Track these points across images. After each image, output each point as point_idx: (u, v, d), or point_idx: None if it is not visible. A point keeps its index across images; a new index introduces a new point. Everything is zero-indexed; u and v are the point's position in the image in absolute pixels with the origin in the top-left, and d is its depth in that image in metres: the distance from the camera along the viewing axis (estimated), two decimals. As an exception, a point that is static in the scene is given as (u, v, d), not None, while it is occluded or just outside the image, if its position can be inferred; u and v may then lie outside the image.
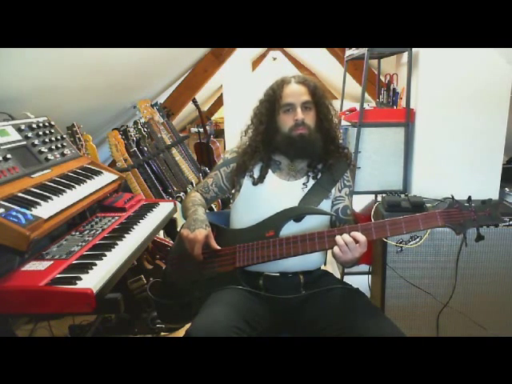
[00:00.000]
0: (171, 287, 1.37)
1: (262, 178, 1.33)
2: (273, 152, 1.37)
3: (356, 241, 1.11)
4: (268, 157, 1.35)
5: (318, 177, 1.34)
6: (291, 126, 1.29)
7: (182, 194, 2.84)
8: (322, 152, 1.34)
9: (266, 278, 1.27)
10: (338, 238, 1.12)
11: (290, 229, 1.25)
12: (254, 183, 1.33)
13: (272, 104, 1.32)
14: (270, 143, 1.35)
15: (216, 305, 1.14)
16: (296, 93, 1.30)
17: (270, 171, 1.34)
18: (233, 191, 1.44)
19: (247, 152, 1.37)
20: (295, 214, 1.27)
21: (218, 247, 1.25)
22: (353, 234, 1.12)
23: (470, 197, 1.16)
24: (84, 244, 1.25)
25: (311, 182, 1.33)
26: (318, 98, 1.33)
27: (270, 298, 1.22)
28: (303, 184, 1.33)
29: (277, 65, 6.85)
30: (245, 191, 1.35)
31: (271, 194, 1.31)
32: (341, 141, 1.42)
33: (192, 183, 3.09)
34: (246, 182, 1.35)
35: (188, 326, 1.07)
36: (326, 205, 1.33)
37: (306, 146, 1.30)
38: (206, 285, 1.26)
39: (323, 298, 1.23)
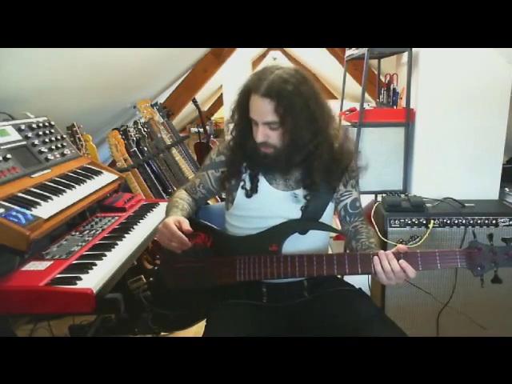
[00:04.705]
0: (168, 295, 1.30)
1: (255, 189, 1.25)
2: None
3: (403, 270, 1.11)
4: (253, 165, 1.26)
5: (317, 182, 1.24)
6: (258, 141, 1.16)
7: (181, 194, 2.83)
8: (310, 159, 1.21)
9: (269, 286, 1.24)
10: (386, 265, 1.12)
11: (293, 240, 1.21)
12: (248, 195, 1.26)
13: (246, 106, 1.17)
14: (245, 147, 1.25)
15: (218, 324, 1.12)
16: (259, 111, 1.11)
17: (266, 182, 1.26)
18: (223, 195, 1.38)
19: (232, 152, 1.29)
20: (300, 228, 1.23)
21: (191, 229, 1.12)
22: (401, 262, 1.11)
23: (491, 234, 1.11)
24: (84, 244, 1.25)
25: (310, 190, 1.25)
26: (291, 109, 1.09)
27: (273, 307, 1.20)
28: (303, 193, 1.25)
29: (277, 65, 6.83)
30: (239, 203, 1.28)
31: (268, 206, 1.25)
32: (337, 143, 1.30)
33: (192, 183, 3.08)
34: (240, 194, 1.27)
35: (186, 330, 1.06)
36: (330, 208, 1.29)
37: (274, 164, 1.20)
38: (206, 296, 1.23)
39: (326, 299, 1.22)
